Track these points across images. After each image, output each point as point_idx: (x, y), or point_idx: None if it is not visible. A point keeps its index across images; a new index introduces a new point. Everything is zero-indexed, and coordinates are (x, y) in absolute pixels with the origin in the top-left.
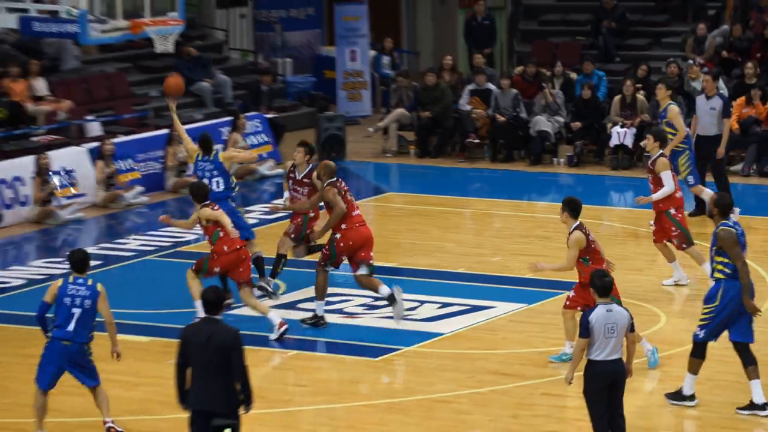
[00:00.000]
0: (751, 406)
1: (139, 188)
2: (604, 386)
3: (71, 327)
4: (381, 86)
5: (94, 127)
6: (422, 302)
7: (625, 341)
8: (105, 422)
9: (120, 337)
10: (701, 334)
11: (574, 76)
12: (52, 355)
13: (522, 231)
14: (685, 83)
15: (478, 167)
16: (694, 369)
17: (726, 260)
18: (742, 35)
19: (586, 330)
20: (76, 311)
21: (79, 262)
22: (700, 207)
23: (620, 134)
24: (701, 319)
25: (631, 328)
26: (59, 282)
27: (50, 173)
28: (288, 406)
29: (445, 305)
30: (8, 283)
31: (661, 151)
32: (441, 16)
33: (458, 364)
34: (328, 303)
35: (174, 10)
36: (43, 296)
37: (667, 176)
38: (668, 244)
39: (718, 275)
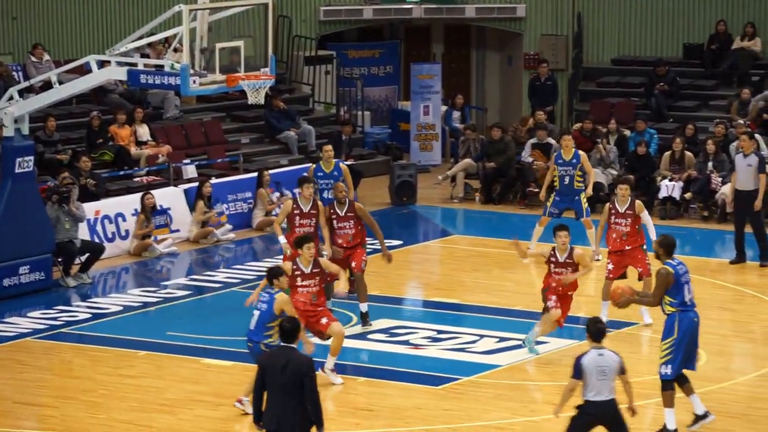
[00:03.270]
0: (697, 419)
1: (228, 226)
2: (593, 424)
3: None
4: (450, 138)
5: (190, 170)
6: (482, 336)
7: (620, 383)
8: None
9: (206, 360)
10: (669, 370)
11: (627, 133)
12: None
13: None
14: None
15: (537, 214)
16: (669, 403)
17: (671, 298)
18: None
19: (578, 372)
20: None
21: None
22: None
23: (669, 187)
24: (664, 356)
25: (622, 371)
26: None
27: (154, 212)
28: (355, 429)
29: (503, 339)
30: (107, 309)
31: (631, 197)
32: (508, 76)
33: (513, 394)
34: (394, 335)
35: (266, 66)
36: None
37: (647, 215)
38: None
39: (668, 309)
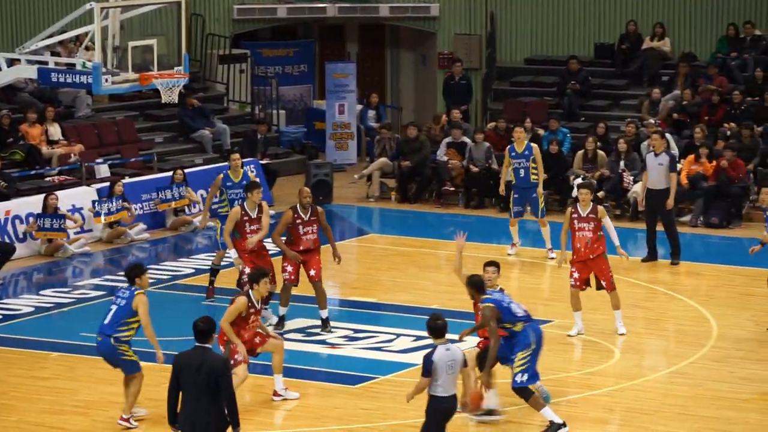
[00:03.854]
0: (553, 426)
1: (141, 225)
2: (444, 420)
3: None
4: (366, 137)
5: (103, 169)
6: (399, 335)
7: (461, 376)
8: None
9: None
10: (525, 378)
11: (541, 132)
12: None
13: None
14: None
15: (452, 213)
16: (539, 405)
17: (510, 323)
18: (692, 100)
19: (428, 371)
20: None
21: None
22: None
23: None
24: (520, 366)
25: (465, 363)
26: None
27: (57, 213)
28: (272, 429)
29: (419, 338)
30: (19, 310)
31: (592, 202)
32: (422, 75)
33: None
34: (311, 335)
35: (180, 65)
36: None
37: (609, 221)
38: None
39: (518, 328)
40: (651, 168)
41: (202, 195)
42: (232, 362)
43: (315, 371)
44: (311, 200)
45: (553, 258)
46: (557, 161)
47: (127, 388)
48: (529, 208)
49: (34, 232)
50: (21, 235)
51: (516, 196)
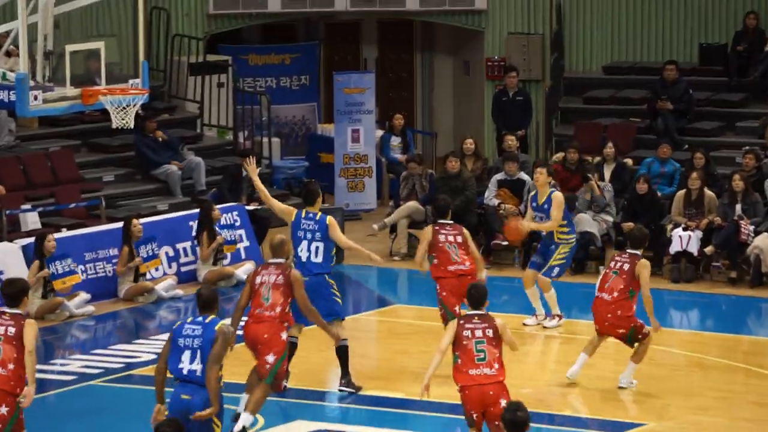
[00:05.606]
0: None
1: (84, 295)
2: None
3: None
4: (389, 174)
5: (31, 219)
6: None
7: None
8: None
9: None
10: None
11: (629, 163)
12: None
13: (561, 356)
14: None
15: (506, 275)
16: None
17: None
18: None
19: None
20: None
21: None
22: None
23: (683, 238)
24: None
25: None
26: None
27: None
28: None
29: None
30: None
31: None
32: (464, 89)
33: None
34: None
35: (136, 77)
36: None
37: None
38: None
39: None
40: None
41: (167, 253)
42: None
43: None
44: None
45: (528, 325)
46: (648, 205)
47: None
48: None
49: None
50: None
51: (539, 247)
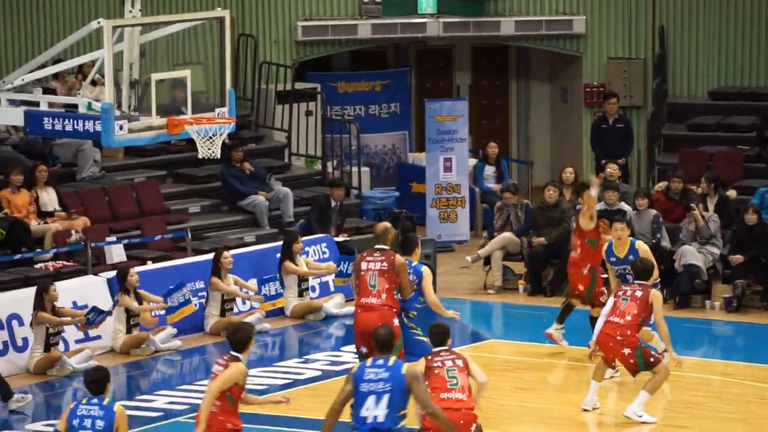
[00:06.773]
0: None
1: (170, 329)
2: None
3: None
4: (483, 204)
5: (116, 251)
6: None
7: None
8: None
9: None
10: None
11: (731, 195)
12: None
13: (666, 395)
14: None
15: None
16: None
17: None
18: None
19: None
20: None
21: (94, 383)
22: None
23: None
24: None
25: None
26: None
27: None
28: None
29: None
30: None
31: None
32: (562, 117)
33: None
34: None
35: (223, 106)
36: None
37: None
38: None
39: None
40: None
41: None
42: None
43: None
44: None
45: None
46: (758, 236)
47: None
48: None
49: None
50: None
51: None
